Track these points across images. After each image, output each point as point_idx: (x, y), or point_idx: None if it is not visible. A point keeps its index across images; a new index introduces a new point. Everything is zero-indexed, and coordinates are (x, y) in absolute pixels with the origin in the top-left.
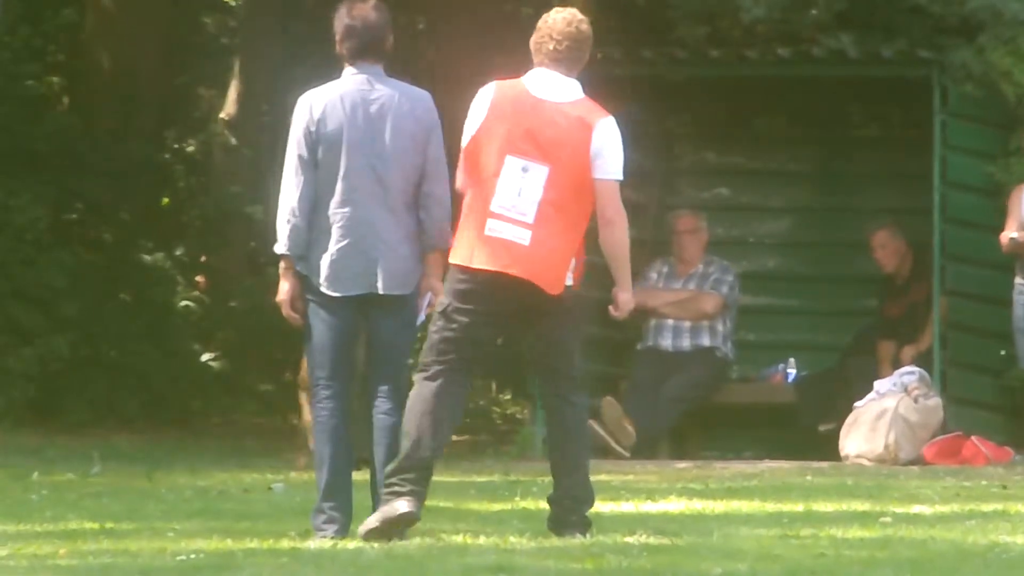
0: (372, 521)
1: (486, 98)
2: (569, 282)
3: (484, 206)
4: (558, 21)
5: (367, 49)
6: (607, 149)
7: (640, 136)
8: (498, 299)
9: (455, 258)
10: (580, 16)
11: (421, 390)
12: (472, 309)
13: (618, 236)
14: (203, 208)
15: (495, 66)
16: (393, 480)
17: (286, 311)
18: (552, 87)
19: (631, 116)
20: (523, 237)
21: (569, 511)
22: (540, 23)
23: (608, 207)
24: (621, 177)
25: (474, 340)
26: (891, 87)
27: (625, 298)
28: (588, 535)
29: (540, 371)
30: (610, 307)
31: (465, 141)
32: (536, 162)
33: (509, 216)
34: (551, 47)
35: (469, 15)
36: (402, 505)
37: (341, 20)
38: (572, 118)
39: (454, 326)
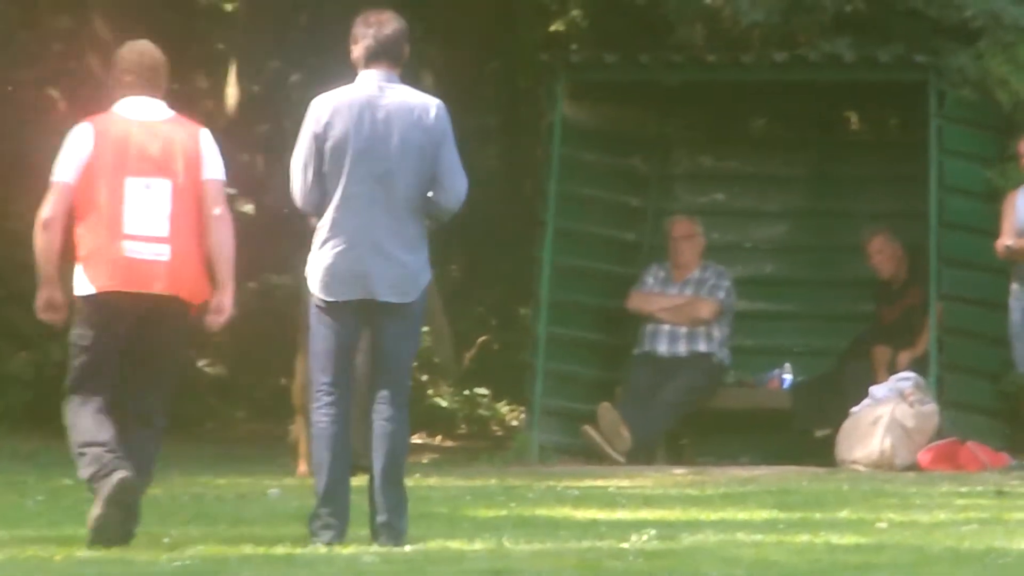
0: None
1: (85, 134)
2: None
3: (114, 231)
4: (130, 54)
5: (380, 55)
6: (210, 152)
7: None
8: (132, 317)
9: (91, 286)
10: (151, 44)
11: (70, 409)
12: (109, 333)
13: (225, 233)
14: None
15: (492, 71)
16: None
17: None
18: (144, 109)
19: None
20: (162, 253)
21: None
22: (117, 59)
23: (215, 205)
24: (224, 178)
25: (111, 362)
26: (887, 91)
27: (228, 301)
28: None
29: (141, 381)
30: (208, 316)
31: (68, 176)
32: (156, 177)
33: (144, 235)
34: (129, 79)
35: (467, 20)
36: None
37: (357, 26)
38: (175, 131)
39: (93, 353)
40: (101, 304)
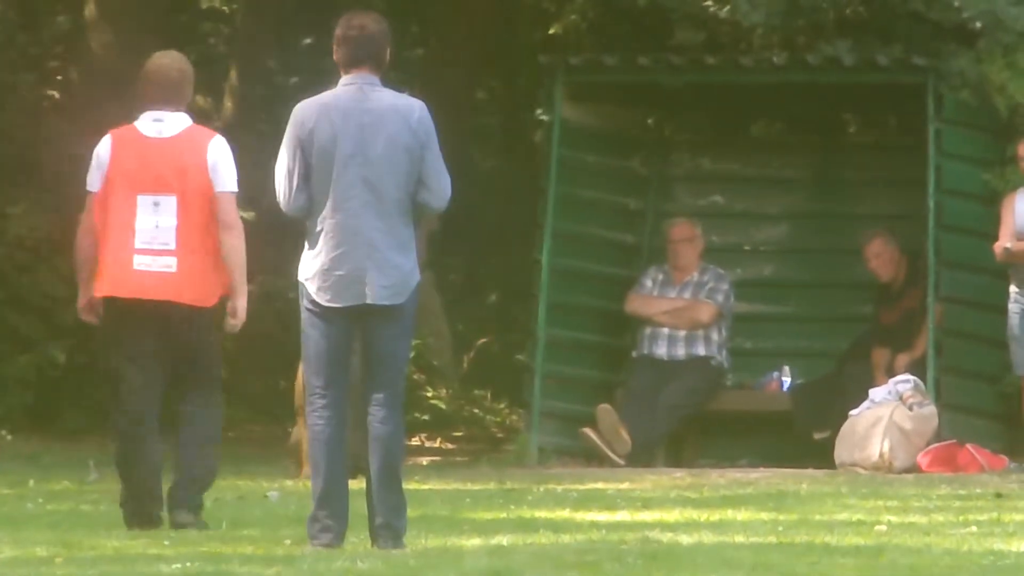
0: None
1: (106, 149)
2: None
3: (127, 245)
4: (153, 66)
5: (363, 57)
6: (220, 164)
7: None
8: (148, 323)
9: (103, 291)
10: (177, 56)
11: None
12: (130, 337)
13: (235, 242)
14: None
15: (492, 73)
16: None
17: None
18: (161, 124)
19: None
20: (170, 265)
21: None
22: (143, 71)
23: (226, 215)
24: (236, 189)
25: (140, 364)
26: (887, 93)
27: (242, 305)
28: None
29: (175, 380)
30: (227, 319)
31: (93, 187)
32: (164, 194)
33: (153, 248)
34: (152, 90)
35: (463, 22)
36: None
37: (339, 29)
38: (185, 147)
39: (118, 355)
40: (118, 310)
